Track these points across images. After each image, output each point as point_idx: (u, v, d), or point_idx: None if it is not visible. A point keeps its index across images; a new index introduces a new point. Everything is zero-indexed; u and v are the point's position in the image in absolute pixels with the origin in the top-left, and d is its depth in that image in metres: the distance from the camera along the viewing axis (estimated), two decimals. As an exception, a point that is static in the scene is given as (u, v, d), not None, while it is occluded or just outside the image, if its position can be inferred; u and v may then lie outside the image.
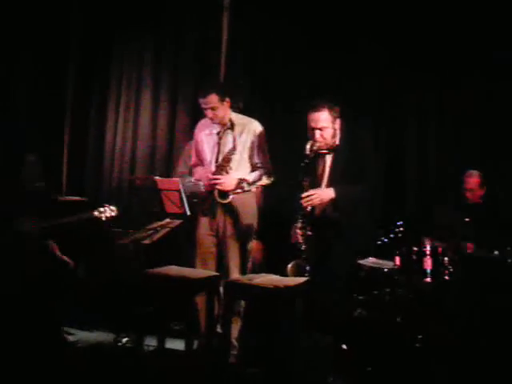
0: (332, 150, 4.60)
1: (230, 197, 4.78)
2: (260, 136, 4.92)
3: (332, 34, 6.05)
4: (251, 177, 4.90)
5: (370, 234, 4.75)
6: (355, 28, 6.00)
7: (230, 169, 4.82)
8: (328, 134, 4.53)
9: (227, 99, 4.84)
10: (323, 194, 4.49)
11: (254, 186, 4.96)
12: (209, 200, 4.85)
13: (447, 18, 5.78)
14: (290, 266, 4.50)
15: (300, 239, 4.50)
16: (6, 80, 6.56)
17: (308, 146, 4.48)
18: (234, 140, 4.82)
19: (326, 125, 4.51)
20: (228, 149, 4.84)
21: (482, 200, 5.49)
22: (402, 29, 5.91)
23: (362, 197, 4.57)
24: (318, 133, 4.50)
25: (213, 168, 4.85)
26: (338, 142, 4.61)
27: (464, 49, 5.77)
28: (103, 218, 5.10)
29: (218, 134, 4.90)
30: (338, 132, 4.59)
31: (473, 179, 5.49)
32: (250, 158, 4.93)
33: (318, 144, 4.51)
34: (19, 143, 6.13)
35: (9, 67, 6.61)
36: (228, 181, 4.76)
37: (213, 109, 4.79)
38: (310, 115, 4.54)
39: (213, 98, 4.77)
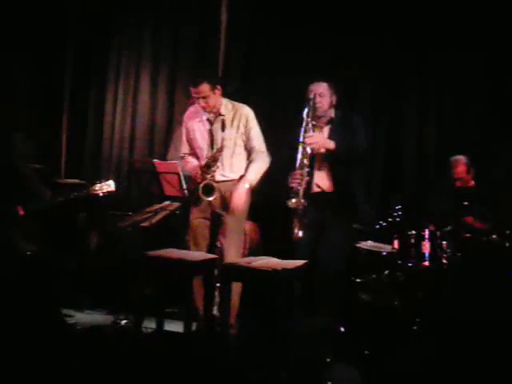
0: (328, 122, 4.83)
1: (214, 195, 4.78)
2: (252, 120, 4.94)
3: (331, 19, 6.04)
4: (252, 174, 4.88)
5: (367, 213, 4.82)
6: (354, 12, 5.99)
7: (217, 167, 4.81)
8: (326, 101, 4.80)
9: (218, 87, 4.85)
10: (325, 141, 4.72)
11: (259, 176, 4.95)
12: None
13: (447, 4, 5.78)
14: (292, 201, 4.61)
15: (298, 182, 4.62)
16: (5, 62, 6.52)
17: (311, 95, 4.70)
18: (223, 140, 4.78)
19: (325, 92, 4.78)
20: (220, 135, 4.81)
21: (474, 183, 5.46)
22: (400, 12, 5.91)
23: (357, 150, 4.77)
24: (318, 97, 4.74)
25: (204, 158, 4.87)
26: (333, 115, 4.85)
27: (464, 33, 5.76)
28: (100, 194, 5.13)
29: (209, 120, 4.91)
30: (333, 105, 4.85)
31: (459, 166, 5.44)
32: (245, 142, 4.94)
33: (318, 104, 4.73)
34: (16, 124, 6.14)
35: (9, 49, 6.58)
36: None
37: (204, 98, 4.79)
38: (310, 86, 4.79)
39: (204, 87, 4.77)
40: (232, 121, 4.89)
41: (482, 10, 5.68)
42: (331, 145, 4.71)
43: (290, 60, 6.15)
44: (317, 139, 4.69)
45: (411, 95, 6.04)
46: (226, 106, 4.92)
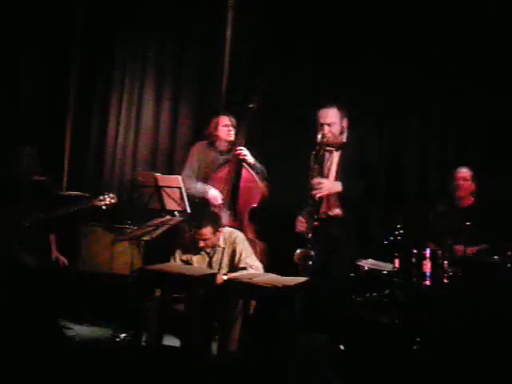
0: (339, 147, 4.88)
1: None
2: (240, 243, 5.01)
3: (335, 34, 6.07)
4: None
5: (374, 235, 4.86)
6: (358, 29, 6.02)
7: None
8: (336, 129, 4.83)
9: (220, 229, 4.98)
10: (331, 185, 4.79)
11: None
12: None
13: (447, 18, 5.83)
14: (297, 252, 4.71)
15: (306, 228, 4.73)
16: (10, 74, 6.54)
17: (319, 136, 4.75)
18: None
19: (334, 120, 4.83)
20: (220, 265, 4.97)
21: (475, 200, 5.44)
22: (404, 28, 5.95)
23: (365, 191, 4.82)
24: (326, 128, 4.79)
25: None
26: (345, 140, 4.90)
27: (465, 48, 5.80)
28: (103, 207, 5.13)
29: (207, 253, 5.01)
30: (345, 130, 4.89)
31: (461, 175, 5.39)
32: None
33: (327, 137, 4.77)
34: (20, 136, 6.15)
35: (14, 60, 6.59)
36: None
37: (205, 240, 4.91)
38: (320, 112, 4.85)
39: (207, 230, 4.90)
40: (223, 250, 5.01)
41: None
42: (339, 188, 4.78)
43: (295, 74, 6.16)
44: (323, 189, 4.74)
45: (413, 114, 6.04)
46: (223, 236, 5.02)
